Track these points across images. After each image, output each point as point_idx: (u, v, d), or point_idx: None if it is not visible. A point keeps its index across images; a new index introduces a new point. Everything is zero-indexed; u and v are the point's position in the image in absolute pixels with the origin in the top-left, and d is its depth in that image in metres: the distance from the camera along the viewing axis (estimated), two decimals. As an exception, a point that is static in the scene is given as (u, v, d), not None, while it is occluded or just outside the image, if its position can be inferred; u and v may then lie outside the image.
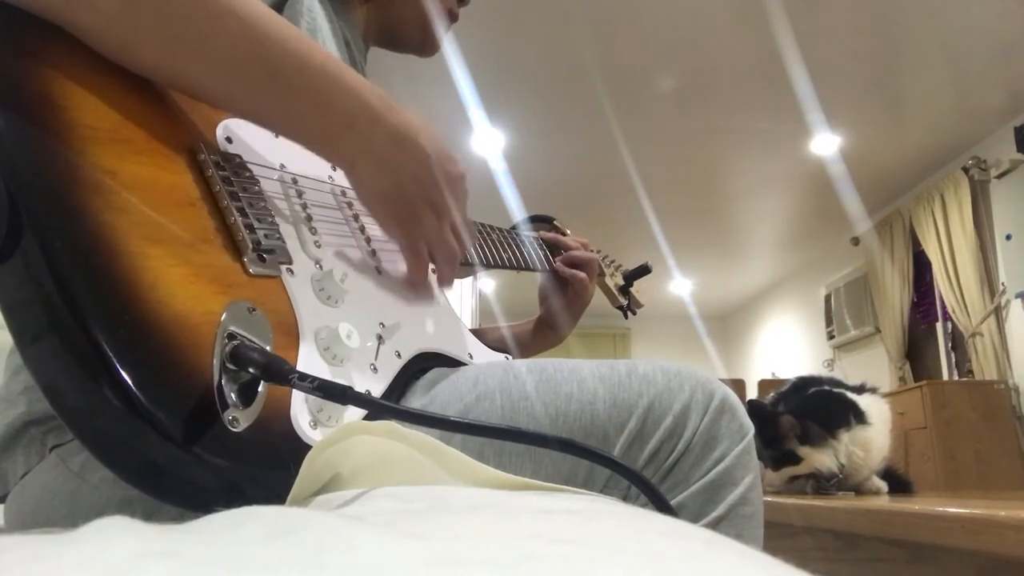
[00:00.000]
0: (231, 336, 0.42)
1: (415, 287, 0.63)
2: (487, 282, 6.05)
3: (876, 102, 3.70)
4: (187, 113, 0.51)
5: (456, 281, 0.67)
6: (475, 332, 0.79)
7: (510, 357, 0.75)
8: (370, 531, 0.23)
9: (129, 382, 0.37)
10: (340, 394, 0.40)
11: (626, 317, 1.13)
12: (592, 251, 0.99)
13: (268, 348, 0.44)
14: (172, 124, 0.49)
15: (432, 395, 0.59)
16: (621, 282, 1.10)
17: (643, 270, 1.10)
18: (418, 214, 0.58)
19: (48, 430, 0.50)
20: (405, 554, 0.20)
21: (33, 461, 0.51)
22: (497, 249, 0.85)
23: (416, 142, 0.56)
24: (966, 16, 3.00)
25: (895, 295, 4.72)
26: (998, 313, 3.88)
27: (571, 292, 0.94)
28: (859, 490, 1.47)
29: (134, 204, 0.42)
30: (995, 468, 3.35)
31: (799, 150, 4.12)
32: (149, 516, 0.40)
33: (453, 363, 0.65)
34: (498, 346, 0.76)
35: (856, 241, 5.19)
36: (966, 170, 4.05)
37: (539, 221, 1.02)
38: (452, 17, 0.89)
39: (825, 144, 4.04)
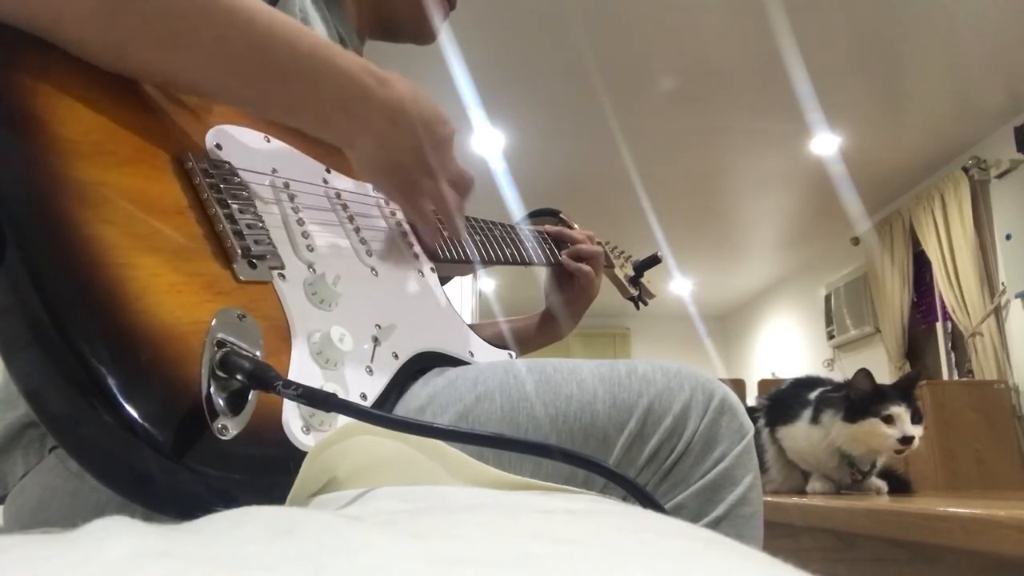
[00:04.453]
0: (220, 343, 0.41)
1: (430, 240, 0.66)
2: (487, 281, 6.05)
3: (876, 102, 3.70)
4: (175, 121, 0.51)
5: (456, 279, 0.67)
6: (477, 327, 0.79)
7: (513, 354, 0.75)
8: (370, 531, 0.23)
9: (116, 393, 0.36)
10: (323, 401, 0.39)
11: (637, 308, 1.13)
12: (599, 243, 0.99)
13: (258, 354, 0.43)
14: (159, 133, 0.49)
15: (431, 396, 0.58)
16: (631, 273, 1.09)
17: (653, 260, 1.09)
18: (417, 181, 0.60)
19: (47, 431, 0.50)
20: (405, 554, 0.20)
21: (32, 462, 0.51)
22: (499, 244, 0.84)
23: (407, 114, 0.57)
24: (966, 16, 2.99)
25: (895, 295, 4.71)
26: (998, 313, 3.88)
27: (577, 286, 0.94)
28: (859, 489, 1.47)
29: (120, 215, 0.42)
30: (995, 468, 3.35)
31: (799, 150, 4.12)
32: (149, 516, 0.40)
33: (453, 362, 0.65)
34: (500, 342, 0.76)
35: (856, 241, 5.19)
36: (966, 170, 4.05)
37: (545, 215, 1.02)
38: (451, 3, 0.88)
39: (825, 144, 4.04)
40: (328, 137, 0.58)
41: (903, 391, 1.39)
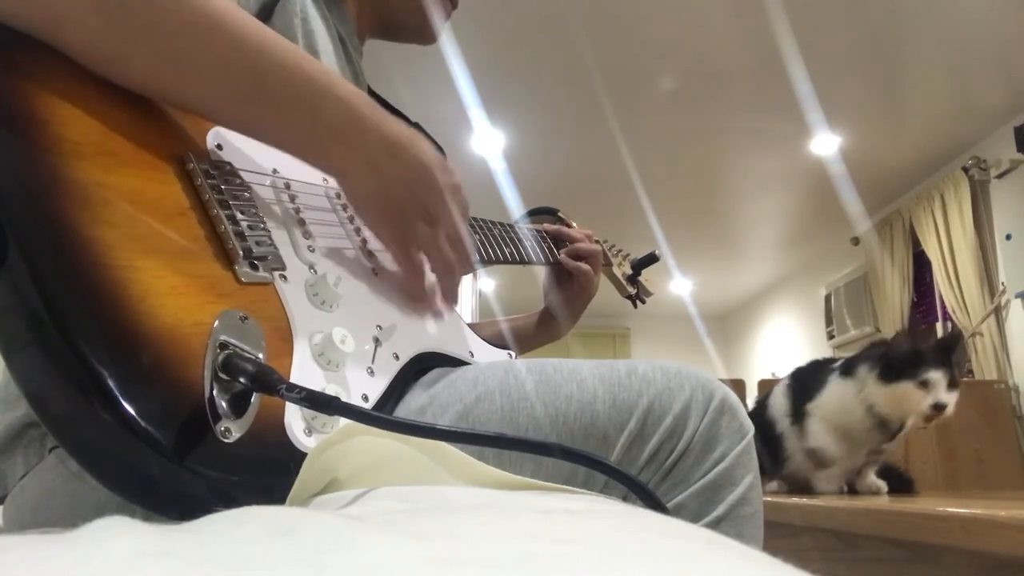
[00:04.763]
0: (223, 346, 0.41)
1: (414, 298, 0.62)
2: (487, 281, 6.05)
3: (876, 102, 3.70)
4: (176, 122, 0.51)
5: None
6: (476, 327, 0.79)
7: (513, 354, 0.75)
8: (370, 531, 0.23)
9: (118, 395, 0.36)
10: (326, 404, 0.39)
11: (635, 306, 1.13)
12: (597, 242, 0.99)
13: (261, 356, 0.43)
14: (160, 134, 0.49)
15: (432, 396, 0.59)
16: (629, 271, 1.09)
17: (651, 258, 1.10)
18: (410, 221, 0.57)
19: (47, 432, 0.50)
20: (405, 554, 0.20)
21: (32, 462, 0.51)
22: (498, 244, 0.84)
23: (410, 152, 0.56)
24: (966, 16, 2.99)
25: (895, 295, 4.71)
26: (998, 313, 3.88)
27: (576, 285, 0.94)
28: (859, 489, 1.47)
29: (121, 216, 0.42)
30: (995, 468, 3.35)
31: (799, 150, 4.12)
32: (149, 516, 0.40)
33: (453, 362, 0.65)
34: (499, 341, 0.76)
35: (856, 241, 5.19)
36: (966, 170, 4.05)
37: (543, 213, 1.02)
38: (452, 3, 0.87)
39: (825, 144, 4.04)
40: (320, 165, 0.56)
41: (943, 354, 1.33)
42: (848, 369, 1.39)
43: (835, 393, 1.41)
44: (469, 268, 0.63)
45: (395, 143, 0.55)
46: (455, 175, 0.59)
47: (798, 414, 1.47)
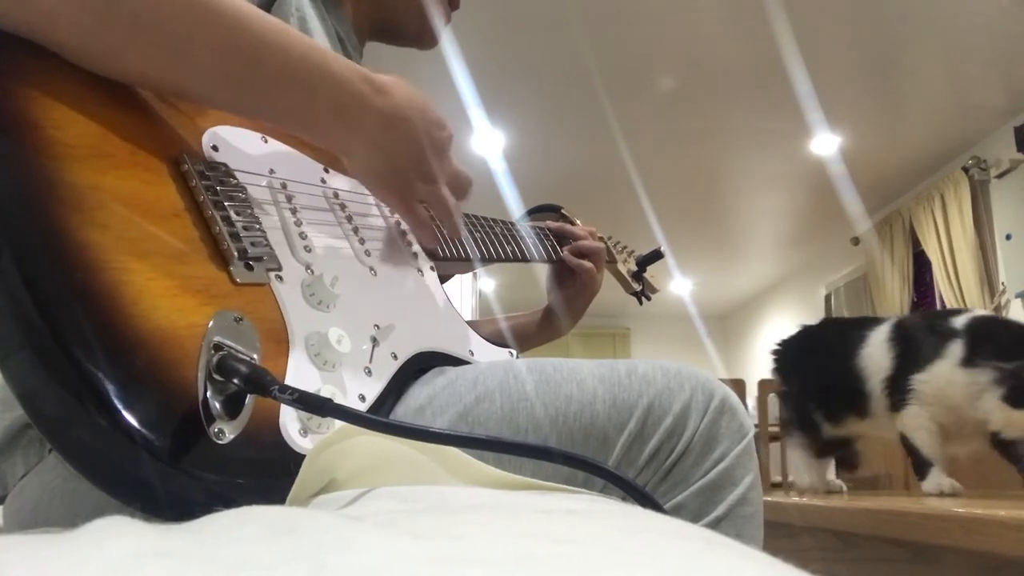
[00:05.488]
0: (217, 347, 0.41)
1: (425, 241, 0.65)
2: (487, 281, 6.05)
3: (876, 102, 3.70)
4: (171, 124, 0.51)
5: (456, 278, 0.67)
6: (477, 324, 0.79)
7: (514, 352, 0.75)
8: (370, 531, 0.23)
9: (111, 397, 0.36)
10: (320, 406, 0.39)
11: (640, 303, 1.13)
12: (601, 239, 0.99)
13: (255, 357, 0.43)
14: (155, 136, 0.49)
15: (430, 396, 0.58)
16: (634, 268, 1.09)
17: (656, 255, 1.10)
18: (412, 185, 0.60)
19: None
20: (405, 554, 0.20)
21: (32, 462, 0.51)
22: (499, 242, 0.84)
23: (405, 121, 0.56)
24: (966, 16, 2.99)
25: (895, 295, 4.72)
26: (998, 313, 3.88)
27: (579, 283, 0.94)
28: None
29: (115, 219, 0.42)
30: (995, 468, 3.34)
31: (799, 150, 4.12)
32: (149, 516, 0.40)
33: (453, 361, 0.65)
34: (500, 339, 0.75)
35: (856, 241, 5.19)
36: (966, 170, 4.05)
37: (546, 210, 1.02)
38: (452, 5, 0.87)
39: (825, 144, 4.04)
40: (324, 144, 0.58)
41: None
42: (970, 360, 1.14)
43: (944, 377, 1.18)
44: (465, 196, 0.65)
45: (391, 116, 0.56)
46: (447, 128, 0.61)
47: (897, 382, 1.22)
